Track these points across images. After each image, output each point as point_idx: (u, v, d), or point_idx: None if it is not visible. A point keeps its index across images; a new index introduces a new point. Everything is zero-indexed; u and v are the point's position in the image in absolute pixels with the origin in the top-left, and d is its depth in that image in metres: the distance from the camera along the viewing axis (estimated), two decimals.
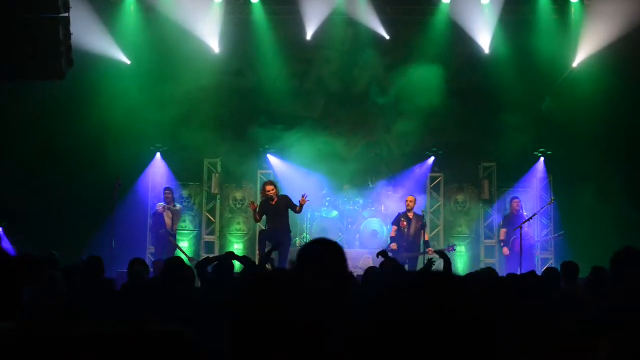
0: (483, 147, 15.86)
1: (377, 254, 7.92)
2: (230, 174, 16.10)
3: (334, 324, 2.01)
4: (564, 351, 2.74)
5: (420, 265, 13.16)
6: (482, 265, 14.81)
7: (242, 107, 16.26)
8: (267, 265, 8.00)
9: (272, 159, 15.93)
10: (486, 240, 15.90)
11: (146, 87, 15.35)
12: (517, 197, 14.57)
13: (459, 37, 15.90)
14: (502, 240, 14.14)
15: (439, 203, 16.04)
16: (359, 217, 15.17)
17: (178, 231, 15.31)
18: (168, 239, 14.48)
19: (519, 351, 2.43)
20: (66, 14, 9.88)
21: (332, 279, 3.07)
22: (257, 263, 9.78)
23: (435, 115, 15.37)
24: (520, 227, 13.03)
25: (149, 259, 14.29)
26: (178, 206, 15.00)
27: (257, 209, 12.73)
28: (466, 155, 16.03)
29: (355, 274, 8.48)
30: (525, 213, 14.15)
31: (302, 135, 15.60)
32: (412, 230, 13.49)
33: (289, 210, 12.75)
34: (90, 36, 14.81)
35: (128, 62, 15.74)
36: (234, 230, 16.31)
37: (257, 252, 13.18)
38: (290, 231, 12.84)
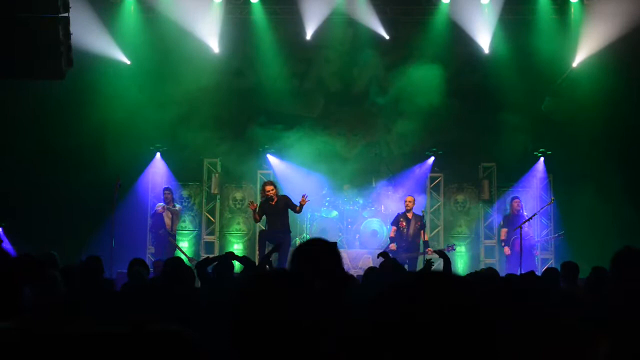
0: (483, 147, 15.86)
1: (378, 256, 7.92)
2: (230, 174, 16.10)
3: (333, 323, 2.01)
4: (563, 351, 2.74)
5: (420, 265, 13.16)
6: (482, 266, 14.82)
7: (242, 107, 16.26)
8: (267, 267, 7.99)
9: (272, 159, 15.93)
10: (486, 241, 15.90)
11: (146, 87, 15.36)
12: (517, 197, 14.57)
13: (459, 37, 15.90)
14: (503, 240, 14.14)
15: (439, 203, 16.03)
16: (359, 218, 15.17)
17: (178, 231, 15.31)
18: (168, 240, 14.48)
19: (518, 351, 2.43)
20: (66, 14, 9.87)
21: (328, 279, 3.07)
22: (257, 263, 9.78)
23: (435, 116, 15.38)
24: (520, 227, 13.02)
25: (149, 259, 14.29)
26: (178, 206, 15.01)
27: (257, 209, 12.73)
28: (466, 156, 16.04)
29: (355, 274, 8.49)
30: (525, 213, 14.15)
31: (302, 136, 15.60)
32: (411, 230, 13.49)
33: (289, 210, 12.75)
34: (90, 36, 14.81)
35: (128, 62, 15.74)
36: (234, 231, 16.31)
37: (257, 252, 13.18)
38: (290, 231, 12.84)
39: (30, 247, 10.76)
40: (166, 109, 15.16)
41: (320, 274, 2.98)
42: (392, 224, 13.76)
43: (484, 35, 15.96)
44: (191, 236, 16.17)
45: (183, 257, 13.68)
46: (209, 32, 15.90)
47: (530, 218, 13.57)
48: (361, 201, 15.31)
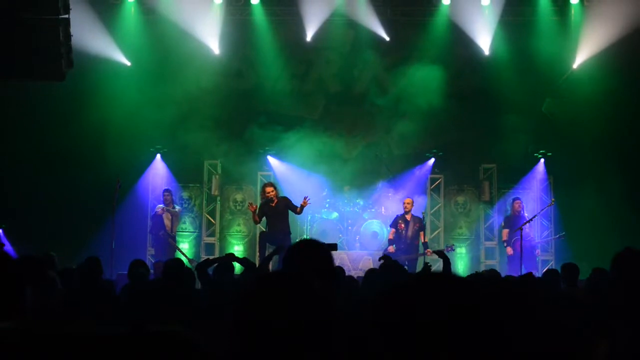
0: (483, 149, 15.87)
1: (380, 259, 7.93)
2: (230, 176, 16.10)
3: (333, 324, 2.01)
4: (563, 352, 2.74)
5: (419, 267, 13.16)
6: (483, 267, 14.83)
7: (242, 108, 16.27)
8: (267, 268, 7.99)
9: (272, 160, 15.92)
10: (487, 242, 15.89)
11: (146, 89, 15.36)
12: (518, 198, 14.57)
13: (459, 39, 15.90)
14: (504, 241, 14.14)
15: (439, 204, 16.03)
16: (359, 219, 15.17)
17: (178, 233, 15.32)
18: (168, 241, 14.49)
19: (518, 352, 2.43)
20: (66, 16, 9.88)
21: (322, 279, 3.08)
22: (257, 265, 9.78)
23: (436, 117, 15.39)
24: (521, 228, 13.02)
25: (149, 260, 14.29)
26: (177, 208, 15.01)
27: (257, 211, 12.72)
28: (466, 157, 16.05)
29: (355, 276, 8.49)
30: (526, 214, 14.15)
31: (303, 137, 15.60)
32: (409, 232, 13.51)
33: (289, 211, 12.75)
34: (91, 37, 14.83)
35: (128, 63, 15.74)
36: (235, 232, 16.30)
37: (258, 254, 13.18)
38: (290, 233, 12.83)
39: (30, 248, 10.79)
40: (166, 110, 15.16)
41: (315, 275, 2.98)
42: (391, 226, 13.79)
43: (484, 36, 15.96)
44: (191, 238, 16.17)
45: (183, 258, 13.68)
46: (209, 33, 15.91)
47: (531, 219, 13.57)
48: (361, 202, 15.31)
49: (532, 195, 15.73)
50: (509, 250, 13.83)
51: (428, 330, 1.70)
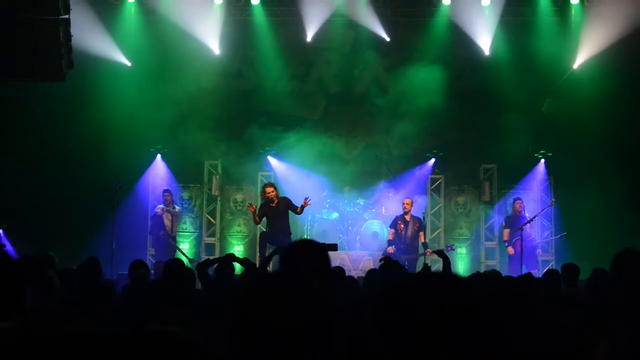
0: (484, 149, 15.87)
1: (380, 260, 7.93)
2: (230, 176, 16.11)
3: (334, 324, 2.01)
4: (563, 352, 2.74)
5: (419, 267, 13.16)
6: (483, 267, 14.83)
7: (243, 108, 16.28)
8: (268, 268, 7.99)
9: (272, 160, 15.92)
10: (487, 242, 15.89)
11: (146, 89, 15.36)
12: (519, 199, 14.56)
13: (460, 39, 15.91)
14: (505, 241, 14.13)
15: (439, 205, 16.03)
16: (359, 219, 15.18)
17: (179, 233, 15.32)
18: (168, 241, 14.49)
19: (519, 352, 2.43)
20: (67, 16, 9.88)
21: (320, 279, 3.08)
22: (257, 265, 9.77)
23: (436, 117, 15.39)
24: (521, 228, 13.02)
25: (149, 260, 14.29)
26: (177, 208, 15.01)
27: (258, 211, 12.72)
28: (467, 157, 16.05)
29: (356, 276, 8.49)
30: (527, 214, 14.15)
31: (303, 137, 15.60)
32: (409, 232, 13.52)
33: (290, 212, 12.75)
34: (91, 38, 14.83)
35: (129, 64, 15.75)
36: (235, 232, 16.31)
37: (258, 254, 13.18)
38: (290, 233, 12.82)
39: (31, 248, 10.79)
40: (166, 111, 15.17)
41: (314, 275, 2.98)
42: (391, 226, 13.80)
43: (484, 37, 15.96)
44: (192, 238, 16.17)
45: (184, 258, 13.68)
46: (209, 33, 15.91)
47: (531, 220, 13.57)
48: (362, 202, 15.32)
49: (533, 195, 15.73)
50: (510, 250, 13.81)
51: (428, 330, 1.70)
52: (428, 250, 13.17)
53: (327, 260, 3.34)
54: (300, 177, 15.43)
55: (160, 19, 15.62)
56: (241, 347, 1.93)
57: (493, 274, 7.26)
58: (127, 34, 15.82)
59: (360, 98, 16.46)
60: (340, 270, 7.30)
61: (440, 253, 8.50)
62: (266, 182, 13.91)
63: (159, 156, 15.94)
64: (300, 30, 16.13)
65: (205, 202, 16.12)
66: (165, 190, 14.87)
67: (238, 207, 16.27)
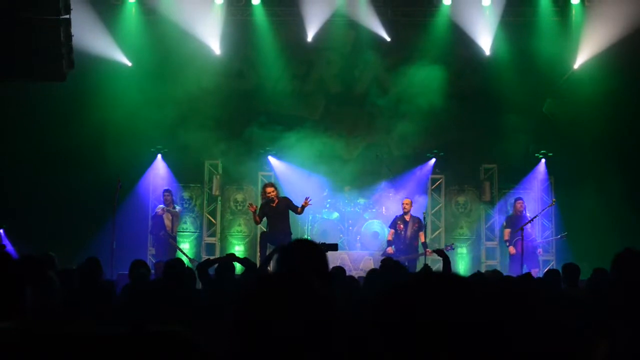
0: (484, 149, 15.87)
1: (381, 262, 7.93)
2: (231, 176, 16.11)
3: (334, 324, 2.01)
4: (563, 352, 2.74)
5: (419, 267, 13.15)
6: (484, 267, 14.82)
7: (243, 108, 16.28)
8: (268, 268, 8.00)
9: (273, 160, 15.93)
10: (487, 242, 15.89)
11: (147, 89, 15.36)
12: (521, 198, 14.54)
13: (460, 39, 15.91)
14: (506, 240, 14.12)
15: (440, 205, 16.03)
16: (360, 219, 15.17)
17: (179, 233, 15.32)
18: (169, 241, 14.49)
19: (519, 352, 2.43)
20: (67, 16, 9.88)
21: (319, 278, 3.08)
22: (258, 265, 9.77)
23: (436, 117, 15.39)
24: (522, 228, 13.02)
25: (150, 260, 14.29)
26: (178, 208, 15.02)
27: (258, 211, 12.72)
28: (467, 157, 16.05)
29: (356, 276, 8.49)
30: (528, 214, 14.15)
31: (303, 137, 15.59)
32: (408, 232, 13.52)
33: (290, 211, 12.75)
34: (92, 38, 14.82)
35: (129, 63, 15.75)
36: (235, 232, 16.31)
37: (259, 254, 13.18)
38: (291, 233, 12.82)
39: (31, 248, 10.79)
40: (167, 111, 15.18)
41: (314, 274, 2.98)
42: (390, 227, 13.80)
43: (485, 36, 15.96)
44: (192, 238, 16.17)
45: (184, 258, 13.68)
46: (210, 33, 15.91)
47: (532, 220, 13.57)
48: (362, 202, 15.32)
49: (533, 195, 15.73)
50: (512, 249, 13.79)
51: (428, 330, 1.70)
52: (428, 250, 13.16)
53: (325, 259, 3.34)
54: (301, 177, 15.43)
55: (161, 19, 15.63)
56: (241, 347, 1.93)
57: (494, 274, 7.26)
58: (127, 34, 15.82)
59: (360, 98, 16.46)
60: (340, 270, 7.30)
61: (440, 252, 8.50)
62: (266, 182, 13.91)
63: (159, 156, 15.95)
64: (301, 30, 16.13)
65: (205, 202, 16.12)
66: (166, 190, 14.88)
67: (238, 207, 16.27)
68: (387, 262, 7.18)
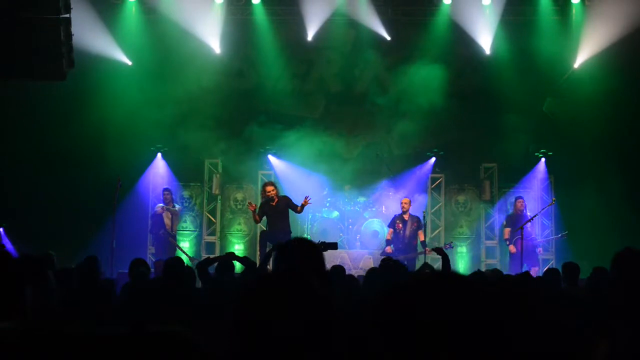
0: (484, 148, 15.87)
1: (381, 261, 7.93)
2: (231, 175, 16.11)
3: (334, 324, 2.01)
4: (563, 352, 2.74)
5: (418, 266, 13.15)
6: (484, 266, 14.82)
7: (243, 107, 16.28)
8: (268, 267, 8.00)
9: (273, 159, 15.93)
10: (487, 241, 15.89)
11: (147, 88, 15.36)
12: (521, 197, 14.53)
13: (460, 38, 15.90)
14: (506, 239, 14.11)
15: (440, 204, 16.03)
16: (360, 218, 15.18)
17: (179, 232, 15.33)
18: (168, 240, 14.49)
19: (519, 352, 2.43)
20: (67, 15, 9.88)
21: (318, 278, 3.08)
22: (257, 264, 9.78)
23: (437, 116, 15.39)
24: (522, 227, 13.02)
25: (149, 259, 14.29)
26: (177, 207, 15.02)
27: (258, 210, 12.71)
28: (467, 156, 16.05)
29: (356, 275, 8.48)
30: (528, 213, 14.14)
31: (303, 136, 15.59)
32: (407, 232, 13.51)
33: (290, 210, 12.75)
34: (92, 37, 14.82)
35: (129, 62, 15.75)
36: (235, 231, 16.31)
37: (258, 252, 13.18)
38: (291, 232, 12.81)
39: (31, 248, 10.79)
40: (167, 110, 15.18)
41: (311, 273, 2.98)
42: (389, 226, 13.79)
43: (485, 36, 15.96)
44: (192, 236, 16.18)
45: (184, 257, 13.67)
46: (210, 32, 15.91)
47: (532, 219, 13.57)
48: (362, 201, 15.32)
49: (533, 194, 15.73)
50: (512, 248, 13.77)
51: (428, 330, 1.69)
52: (427, 248, 13.15)
53: (322, 259, 3.34)
54: (301, 176, 15.43)
55: (161, 18, 15.62)
56: (241, 347, 1.93)
57: (494, 273, 7.25)
58: (127, 33, 15.82)
59: (360, 97, 16.46)
60: (340, 268, 7.30)
61: (439, 251, 8.48)
62: (266, 180, 13.91)
63: (159, 155, 15.95)
64: (301, 29, 16.13)
65: (205, 200, 16.12)
66: (165, 189, 14.88)
67: (238, 206, 16.27)
68: (387, 262, 7.18)
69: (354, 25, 16.25)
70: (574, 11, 15.94)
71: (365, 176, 15.74)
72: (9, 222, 13.68)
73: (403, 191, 15.02)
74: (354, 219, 15.20)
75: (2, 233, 13.34)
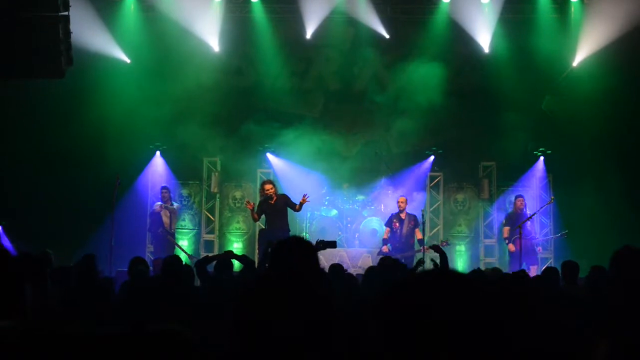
0: (483, 146, 15.88)
1: (380, 260, 7.93)
2: (229, 173, 16.11)
3: (334, 323, 2.00)
4: (563, 351, 2.74)
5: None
6: (482, 265, 14.82)
7: (242, 105, 16.27)
8: (266, 265, 8.00)
9: (271, 157, 15.93)
10: (486, 240, 15.90)
11: (146, 86, 15.34)
12: (521, 196, 14.51)
13: (459, 36, 15.90)
14: (505, 238, 14.11)
15: (438, 202, 16.04)
16: (358, 216, 15.17)
17: (178, 230, 15.33)
18: (167, 238, 14.49)
19: (519, 351, 2.43)
20: (66, 13, 9.87)
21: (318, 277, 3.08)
22: (256, 263, 9.78)
23: (435, 114, 15.38)
24: (520, 226, 13.02)
25: (148, 257, 14.29)
26: (175, 205, 15.01)
27: (256, 209, 12.70)
28: (466, 155, 16.05)
29: (354, 273, 8.49)
30: (528, 212, 14.14)
31: (302, 134, 15.59)
32: (404, 230, 13.51)
33: (288, 209, 12.74)
34: (91, 35, 14.81)
35: (128, 60, 15.74)
36: (234, 229, 16.31)
37: (257, 251, 13.18)
38: (289, 230, 12.79)
39: (30, 247, 10.76)
40: (166, 108, 15.16)
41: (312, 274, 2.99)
42: (386, 225, 13.78)
43: (484, 34, 15.96)
44: (191, 235, 16.18)
45: (183, 255, 13.66)
46: (209, 30, 15.90)
47: (530, 217, 13.57)
48: (361, 200, 15.31)
49: (532, 193, 15.73)
50: (511, 247, 13.77)
51: (428, 330, 1.69)
52: (425, 246, 13.15)
53: (315, 257, 3.34)
54: (299, 174, 15.43)
55: (160, 16, 15.60)
56: (241, 347, 1.93)
57: (494, 272, 7.25)
58: (126, 31, 15.81)
59: (359, 95, 16.46)
60: (339, 267, 7.30)
61: (436, 248, 8.46)
62: (265, 179, 13.90)
63: (158, 153, 15.95)
64: (300, 27, 16.12)
65: (204, 199, 16.12)
66: (163, 187, 14.88)
67: (237, 204, 16.27)
68: (386, 261, 7.18)
69: (352, 23, 16.24)
70: (572, 9, 15.94)
71: (364, 174, 15.74)
72: (8, 221, 13.68)
73: (402, 189, 15.03)
74: (353, 218, 15.20)
75: (1, 231, 13.33)
